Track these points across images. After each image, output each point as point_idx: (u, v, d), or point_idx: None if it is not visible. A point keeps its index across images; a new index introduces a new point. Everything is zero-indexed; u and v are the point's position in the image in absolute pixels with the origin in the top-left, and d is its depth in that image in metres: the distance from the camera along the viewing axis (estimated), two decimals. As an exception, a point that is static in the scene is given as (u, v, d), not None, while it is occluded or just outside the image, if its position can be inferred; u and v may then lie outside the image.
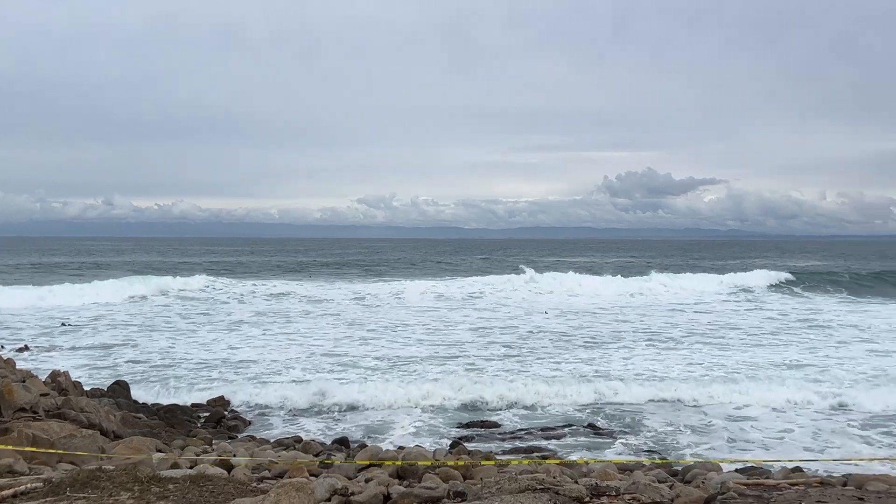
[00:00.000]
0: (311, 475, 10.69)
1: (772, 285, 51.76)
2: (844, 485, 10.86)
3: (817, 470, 12.45)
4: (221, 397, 18.05)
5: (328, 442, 14.63)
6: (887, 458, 13.54)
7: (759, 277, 53.33)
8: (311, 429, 16.14)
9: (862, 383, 19.60)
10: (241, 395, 18.21)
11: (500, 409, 17.51)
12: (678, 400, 18.10)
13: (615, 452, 14.25)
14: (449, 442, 14.59)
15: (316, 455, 12.79)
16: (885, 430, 15.84)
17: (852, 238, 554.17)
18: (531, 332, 30.12)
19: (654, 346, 26.50)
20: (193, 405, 17.65)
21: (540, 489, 9.09)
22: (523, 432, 15.82)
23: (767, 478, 11.50)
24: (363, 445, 13.55)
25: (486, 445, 14.54)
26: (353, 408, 17.56)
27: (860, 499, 9.38)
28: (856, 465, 13.17)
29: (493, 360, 23.39)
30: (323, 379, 19.95)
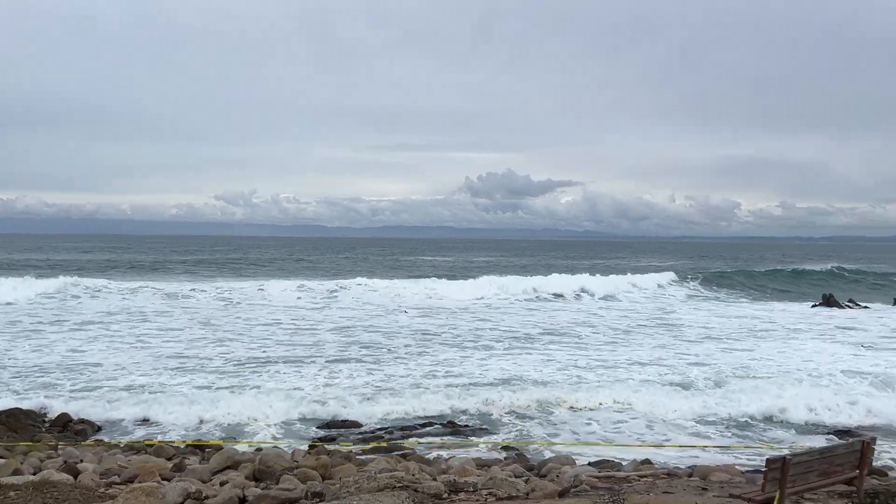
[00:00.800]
0: (163, 479, 10.32)
1: (635, 285, 53.52)
2: (690, 476, 11.43)
3: (666, 462, 13.05)
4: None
5: (183, 445, 14.15)
6: (729, 447, 14.37)
7: (623, 280, 54.99)
8: (168, 432, 15.55)
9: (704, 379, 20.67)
10: (80, 404, 17.06)
11: (361, 409, 17.41)
12: (538, 400, 18.50)
13: (474, 449, 14.46)
14: (308, 443, 14.41)
15: (169, 459, 12.36)
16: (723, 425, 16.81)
17: (700, 239, 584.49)
18: (393, 331, 30.16)
19: (510, 345, 27.07)
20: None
21: (399, 487, 9.11)
22: (383, 431, 15.82)
23: (618, 471, 11.95)
24: (219, 448, 13.20)
25: (347, 445, 14.45)
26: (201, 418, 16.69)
27: (704, 489, 9.89)
28: (697, 456, 13.91)
29: (351, 361, 23.23)
30: (170, 384, 19.30)
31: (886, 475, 12.25)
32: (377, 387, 19.36)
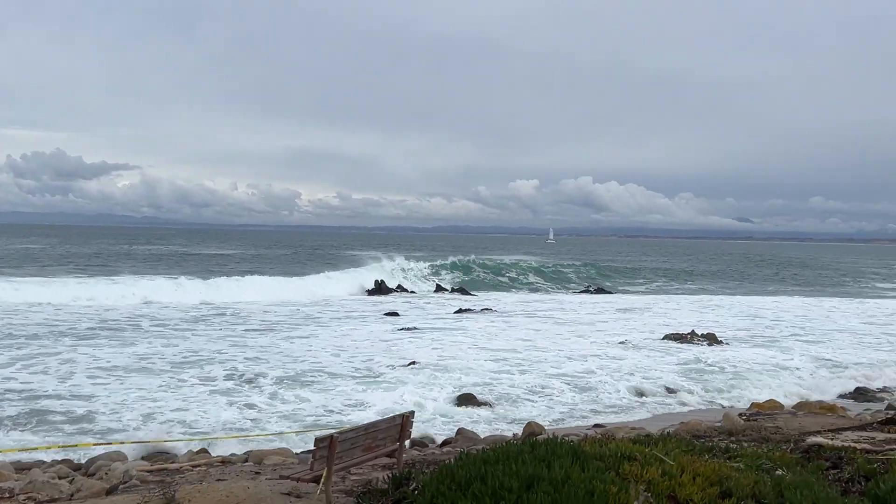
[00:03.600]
0: None
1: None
2: (245, 461, 11.54)
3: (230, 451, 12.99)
4: None
5: None
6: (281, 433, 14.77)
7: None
8: None
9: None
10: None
11: None
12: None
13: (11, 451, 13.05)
14: None
15: None
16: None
17: (263, 228, 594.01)
18: None
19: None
20: None
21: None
22: None
23: (172, 462, 11.65)
24: None
25: None
26: None
27: (257, 473, 10.04)
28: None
29: None
30: None
31: (427, 446, 13.59)
32: None
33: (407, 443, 9.87)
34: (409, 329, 30.41)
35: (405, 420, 9.35)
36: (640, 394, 19.58)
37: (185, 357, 22.39)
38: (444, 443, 14.16)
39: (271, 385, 18.91)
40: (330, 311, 37.47)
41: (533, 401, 18.40)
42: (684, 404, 18.78)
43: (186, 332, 28.24)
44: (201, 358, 22.24)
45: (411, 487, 7.43)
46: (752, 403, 17.70)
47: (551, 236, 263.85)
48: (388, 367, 21.66)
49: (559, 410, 17.67)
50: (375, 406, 17.10)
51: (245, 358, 22.35)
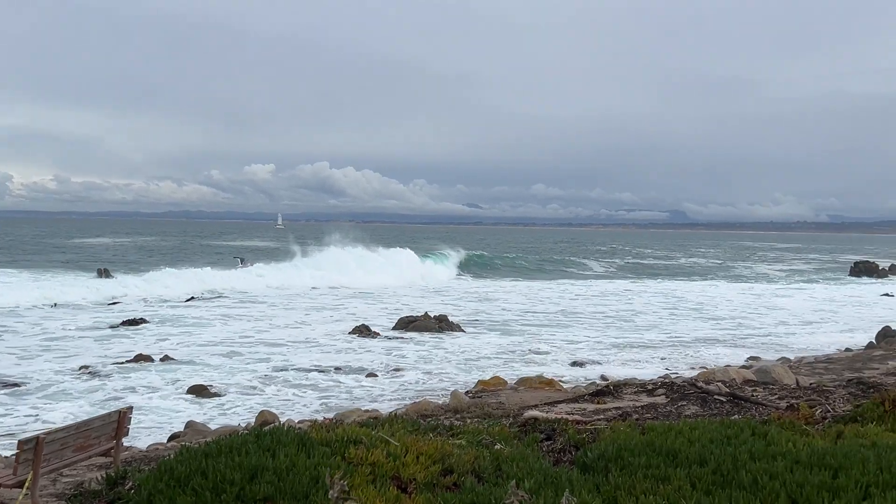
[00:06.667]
0: None
1: None
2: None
3: None
4: None
5: None
6: None
7: None
8: None
9: None
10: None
11: None
12: None
13: None
14: None
15: None
16: None
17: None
18: None
19: None
20: None
21: None
22: None
23: None
24: None
25: None
26: None
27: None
28: None
29: None
30: None
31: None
32: None
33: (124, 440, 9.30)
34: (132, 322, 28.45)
35: (122, 416, 8.79)
36: (371, 375, 19.95)
37: None
38: (172, 437, 13.57)
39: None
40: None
41: (267, 391, 18.06)
42: (415, 384, 19.34)
43: None
44: None
45: (127, 486, 7.00)
46: (479, 381, 18.58)
47: (280, 222, 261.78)
48: (113, 363, 20.39)
49: (303, 399, 17.46)
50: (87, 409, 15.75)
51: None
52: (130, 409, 9.25)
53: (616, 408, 12.11)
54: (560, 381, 18.29)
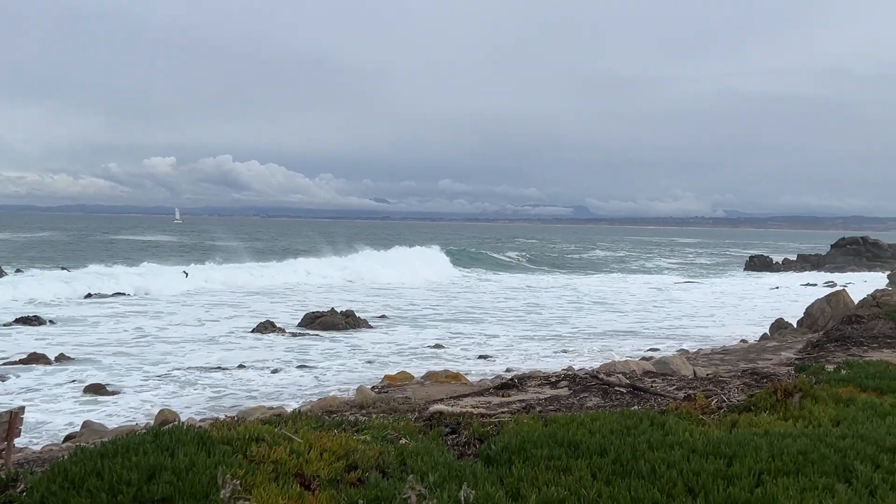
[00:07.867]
0: None
1: None
2: None
3: None
4: None
5: None
6: None
7: None
8: None
9: None
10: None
11: None
12: None
13: None
14: None
15: None
16: None
17: None
18: None
19: None
20: None
21: None
22: None
23: None
24: None
25: None
26: None
27: None
28: None
29: None
30: None
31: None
32: None
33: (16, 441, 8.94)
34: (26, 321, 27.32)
35: (13, 417, 8.45)
36: (276, 371, 19.70)
37: None
38: (68, 437, 13.13)
39: None
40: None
41: (166, 390, 17.60)
42: (321, 382, 19.17)
43: None
44: None
45: (19, 489, 6.71)
46: (385, 376, 18.55)
47: (178, 216, 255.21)
48: (4, 363, 19.55)
49: (204, 398, 17.07)
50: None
51: None
52: (22, 409, 8.91)
53: (520, 400, 12.26)
54: (467, 375, 18.42)
